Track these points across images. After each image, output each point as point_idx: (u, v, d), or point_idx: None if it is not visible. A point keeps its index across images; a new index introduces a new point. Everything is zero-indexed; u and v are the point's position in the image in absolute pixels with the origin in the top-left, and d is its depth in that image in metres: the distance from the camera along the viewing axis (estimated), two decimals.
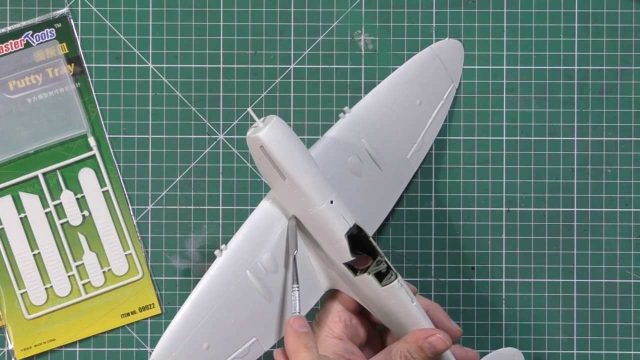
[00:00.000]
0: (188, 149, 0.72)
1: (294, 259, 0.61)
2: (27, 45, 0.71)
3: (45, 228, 0.71)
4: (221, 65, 0.72)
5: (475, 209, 0.72)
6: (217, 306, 0.61)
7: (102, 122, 0.71)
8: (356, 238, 0.61)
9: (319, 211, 0.60)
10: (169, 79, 0.72)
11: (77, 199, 0.71)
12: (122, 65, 0.72)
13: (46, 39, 0.71)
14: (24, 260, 0.71)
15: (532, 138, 0.72)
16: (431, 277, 0.72)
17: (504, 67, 0.72)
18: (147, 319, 0.71)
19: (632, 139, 0.72)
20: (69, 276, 0.71)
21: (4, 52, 0.71)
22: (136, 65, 0.72)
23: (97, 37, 0.72)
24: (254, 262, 0.62)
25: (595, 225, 0.72)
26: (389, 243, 0.72)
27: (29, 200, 0.71)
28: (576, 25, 0.72)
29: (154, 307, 0.71)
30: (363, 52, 0.72)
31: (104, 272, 0.71)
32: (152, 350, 0.71)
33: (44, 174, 0.71)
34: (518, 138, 0.72)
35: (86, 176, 0.71)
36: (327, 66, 0.72)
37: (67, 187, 0.71)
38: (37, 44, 0.71)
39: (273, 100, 0.72)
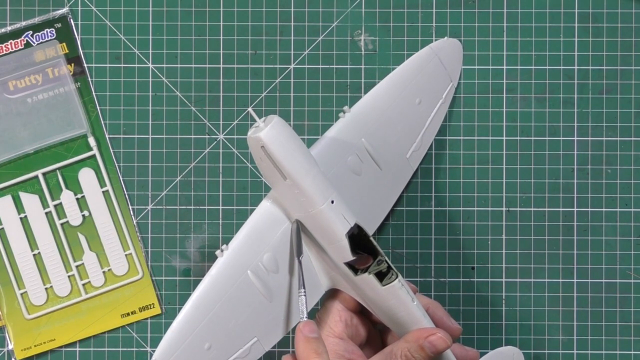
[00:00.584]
0: (188, 149, 0.72)
1: (300, 263, 0.61)
2: (27, 45, 0.71)
3: (45, 228, 0.71)
4: (221, 65, 0.72)
5: (475, 209, 0.72)
6: (219, 306, 0.61)
7: (102, 122, 0.71)
8: (357, 237, 0.61)
9: (320, 211, 0.60)
10: (169, 79, 0.72)
11: (77, 199, 0.71)
12: (122, 65, 0.72)
13: (46, 39, 0.71)
14: (24, 260, 0.71)
15: (532, 138, 0.72)
16: (431, 277, 0.72)
17: (504, 67, 0.72)
18: (147, 319, 0.71)
19: (632, 139, 0.72)
20: (69, 276, 0.71)
21: (4, 52, 0.71)
22: (136, 65, 0.72)
23: (97, 37, 0.72)
24: (254, 262, 0.62)
25: (595, 225, 0.72)
26: (389, 243, 0.72)
27: (29, 200, 0.71)
28: (576, 25, 0.72)
29: (154, 307, 0.71)
30: (363, 52, 0.72)
31: (104, 272, 0.71)
32: (153, 351, 0.71)
33: (44, 174, 0.71)
34: (518, 138, 0.72)
35: (86, 176, 0.71)
36: (327, 66, 0.72)
37: (67, 187, 0.71)
38: (37, 44, 0.71)
39: (273, 100, 0.72)
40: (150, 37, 0.72)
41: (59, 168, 0.71)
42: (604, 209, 0.72)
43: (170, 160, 0.72)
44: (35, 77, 0.71)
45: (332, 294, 0.64)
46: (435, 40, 0.71)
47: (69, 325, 0.71)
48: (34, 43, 0.71)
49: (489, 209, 0.72)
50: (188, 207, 0.72)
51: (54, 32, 0.71)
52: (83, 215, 0.71)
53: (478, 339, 0.71)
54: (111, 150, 0.71)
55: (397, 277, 0.61)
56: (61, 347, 0.71)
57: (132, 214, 0.71)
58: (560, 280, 0.72)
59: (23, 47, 0.71)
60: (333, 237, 0.60)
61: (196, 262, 0.72)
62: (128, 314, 0.71)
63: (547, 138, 0.72)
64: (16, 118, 0.71)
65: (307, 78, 0.72)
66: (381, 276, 0.61)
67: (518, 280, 0.72)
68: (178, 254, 0.72)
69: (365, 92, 0.69)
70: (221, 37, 0.72)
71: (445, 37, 0.70)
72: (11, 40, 0.71)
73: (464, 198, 0.72)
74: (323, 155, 0.63)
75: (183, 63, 0.72)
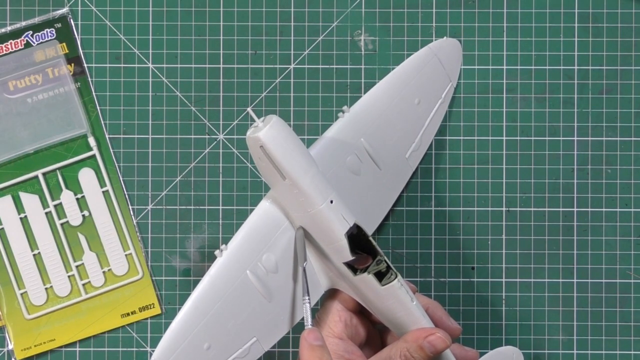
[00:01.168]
0: (188, 149, 0.72)
1: (304, 270, 0.61)
2: (27, 45, 0.71)
3: (45, 228, 0.71)
4: (221, 65, 0.72)
5: (475, 209, 0.72)
6: (218, 306, 0.61)
7: (102, 122, 0.71)
8: (356, 237, 0.61)
9: (319, 211, 0.60)
10: (169, 79, 0.72)
11: (77, 199, 0.71)
12: (122, 65, 0.72)
13: (46, 39, 0.71)
14: (24, 260, 0.71)
15: (532, 138, 0.72)
16: (431, 277, 0.72)
17: (504, 67, 0.72)
18: (147, 319, 0.71)
19: (632, 139, 0.72)
20: (69, 276, 0.71)
21: (4, 52, 0.71)
22: (136, 65, 0.72)
23: (97, 37, 0.72)
24: (254, 262, 0.62)
25: (595, 225, 0.72)
26: (389, 243, 0.72)
27: (29, 200, 0.71)
28: (576, 25, 0.72)
29: (154, 307, 0.71)
30: (363, 52, 0.72)
31: (104, 272, 0.71)
32: (152, 351, 0.71)
33: (44, 174, 0.71)
34: (518, 138, 0.72)
35: (86, 176, 0.71)
36: (327, 66, 0.72)
37: (67, 187, 0.71)
38: (37, 44, 0.71)
39: (273, 100, 0.72)
40: (150, 37, 0.72)
41: (59, 168, 0.71)
42: (604, 209, 0.72)
43: (170, 160, 0.72)
44: (35, 77, 0.71)
45: (331, 294, 0.64)
46: (435, 40, 0.71)
47: (69, 325, 0.71)
48: (34, 43, 0.71)
49: (489, 209, 0.72)
50: (188, 207, 0.72)
51: (54, 32, 0.71)
52: (83, 215, 0.71)
53: (478, 339, 0.71)
54: (111, 150, 0.71)
55: (396, 277, 0.61)
56: (61, 347, 0.71)
57: (132, 214, 0.71)
58: (560, 280, 0.72)
59: (23, 47, 0.71)
60: (332, 237, 0.60)
61: (196, 262, 0.72)
62: (128, 314, 0.71)
63: (547, 138, 0.72)
64: (16, 118, 0.71)
65: (307, 78, 0.72)
66: (380, 276, 0.61)
67: (518, 280, 0.72)
68: (178, 254, 0.72)
69: (365, 92, 0.69)
70: (221, 37, 0.72)
71: (445, 37, 0.70)
72: (11, 40, 0.71)
73: (464, 198, 0.72)
74: (322, 155, 0.63)
75: (183, 63, 0.72)
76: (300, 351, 0.59)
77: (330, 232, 0.60)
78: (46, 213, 0.71)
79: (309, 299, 0.60)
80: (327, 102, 0.71)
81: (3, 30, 0.71)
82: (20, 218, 0.71)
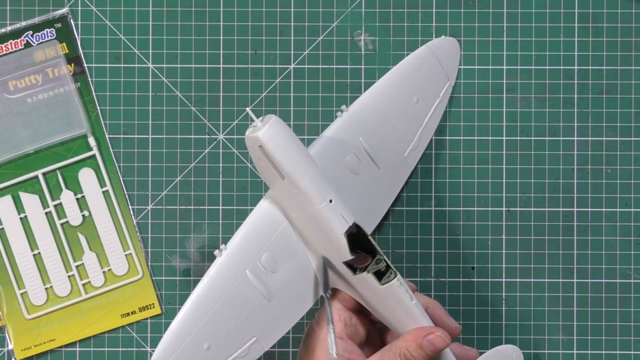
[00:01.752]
0: (188, 149, 0.72)
1: (327, 298, 0.61)
2: (27, 45, 0.71)
3: (45, 228, 0.71)
4: (221, 65, 0.72)
5: (475, 209, 0.72)
6: (218, 306, 0.61)
7: (102, 122, 0.71)
8: (355, 237, 0.61)
9: (318, 210, 0.60)
10: (169, 79, 0.72)
11: (77, 199, 0.71)
12: (122, 65, 0.72)
13: (46, 39, 0.71)
14: (24, 260, 0.71)
15: (532, 138, 0.72)
16: (431, 277, 0.72)
17: (504, 67, 0.72)
18: (147, 319, 0.71)
19: (632, 139, 0.72)
20: (69, 276, 0.71)
21: (4, 52, 0.71)
22: (136, 65, 0.72)
23: (97, 37, 0.72)
24: (253, 261, 0.62)
25: (595, 225, 0.72)
26: (389, 243, 0.71)
27: (29, 200, 0.71)
28: (576, 25, 0.72)
29: (154, 307, 0.71)
30: (363, 52, 0.72)
31: (104, 272, 0.71)
32: (153, 351, 0.71)
33: (44, 174, 0.71)
34: (518, 138, 0.72)
35: (86, 176, 0.71)
36: (327, 66, 0.72)
37: (67, 187, 0.71)
38: (37, 44, 0.71)
39: (273, 100, 0.72)
40: (150, 37, 0.72)
41: (59, 168, 0.71)
42: (604, 209, 0.72)
43: (170, 160, 0.72)
44: (35, 77, 0.71)
45: (331, 293, 0.64)
46: (434, 39, 0.71)
47: (69, 325, 0.71)
48: (34, 43, 0.71)
49: (489, 209, 0.72)
50: (188, 207, 0.72)
51: (54, 32, 0.71)
52: (83, 215, 0.71)
53: (478, 339, 0.71)
54: (111, 150, 0.71)
55: (395, 276, 0.61)
56: (61, 347, 0.71)
57: (132, 214, 0.71)
58: (560, 280, 0.72)
59: (23, 47, 0.71)
60: (331, 236, 0.60)
61: (196, 262, 0.72)
62: (128, 314, 0.71)
63: (547, 138, 0.72)
64: (16, 118, 0.71)
65: (307, 78, 0.72)
66: (380, 275, 0.61)
67: (518, 280, 0.72)
68: (178, 254, 0.72)
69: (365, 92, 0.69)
70: (221, 37, 0.72)
71: (443, 36, 0.70)
72: (11, 40, 0.71)
73: (464, 198, 0.72)
74: (321, 155, 0.63)
75: (183, 63, 0.72)
76: None
77: (330, 232, 0.60)
78: (46, 213, 0.71)
79: (333, 327, 0.60)
80: (327, 102, 0.71)
81: (3, 30, 0.71)
82: (20, 218, 0.71)
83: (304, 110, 0.72)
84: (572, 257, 0.72)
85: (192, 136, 0.72)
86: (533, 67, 0.72)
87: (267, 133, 0.58)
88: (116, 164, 0.71)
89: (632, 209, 0.72)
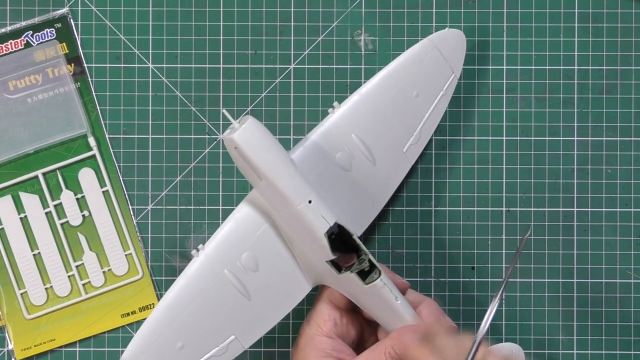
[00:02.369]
0: (188, 149, 0.72)
1: None
2: (27, 45, 0.71)
3: (45, 228, 0.71)
4: (221, 65, 0.72)
5: (475, 209, 0.72)
6: (192, 307, 0.61)
7: (102, 122, 0.71)
8: (338, 236, 0.61)
9: (297, 211, 0.60)
10: (169, 79, 0.72)
11: (77, 199, 0.71)
12: (122, 65, 0.72)
13: (46, 39, 0.71)
14: (24, 260, 0.71)
15: (532, 138, 0.72)
16: (431, 277, 0.72)
17: (504, 67, 0.72)
18: (147, 319, 0.71)
19: (632, 139, 0.72)
20: (69, 276, 0.71)
21: (4, 52, 0.71)
22: (136, 65, 0.72)
23: (97, 37, 0.72)
24: (232, 261, 0.62)
25: (595, 225, 0.72)
26: (389, 243, 0.71)
27: (29, 200, 0.71)
28: (576, 25, 0.72)
29: (154, 307, 0.71)
30: (363, 52, 0.72)
31: (104, 272, 0.71)
32: None
33: (44, 174, 0.71)
34: (518, 138, 0.72)
35: (86, 176, 0.71)
36: (327, 66, 0.72)
37: (67, 187, 0.71)
38: (37, 44, 0.71)
39: (273, 100, 0.72)
40: (150, 37, 0.72)
41: (59, 168, 0.71)
42: (604, 209, 0.72)
43: (170, 160, 0.72)
44: (35, 77, 0.71)
45: (321, 292, 0.64)
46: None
47: (69, 325, 0.71)
48: (34, 43, 0.71)
49: (489, 209, 0.72)
50: (188, 207, 0.72)
51: (54, 32, 0.71)
52: (83, 215, 0.71)
53: None
54: (111, 150, 0.71)
55: (379, 276, 0.61)
56: (61, 347, 0.71)
57: (132, 214, 0.71)
58: (560, 280, 0.72)
59: (23, 47, 0.71)
60: (313, 236, 0.60)
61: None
62: (128, 314, 0.71)
63: (547, 138, 0.72)
64: (16, 118, 0.71)
65: (307, 78, 0.72)
66: (364, 275, 0.61)
67: (518, 280, 0.72)
68: (178, 254, 0.72)
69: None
70: (221, 37, 0.72)
71: (447, 28, 0.70)
72: (11, 40, 0.71)
73: (464, 198, 0.72)
74: (309, 154, 0.63)
75: (183, 63, 0.72)
76: None
77: (311, 232, 0.60)
78: (46, 213, 0.71)
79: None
80: (327, 102, 0.71)
81: (3, 30, 0.71)
82: (20, 218, 0.71)
83: (304, 110, 0.72)
84: (572, 257, 0.72)
85: (192, 136, 0.72)
86: (533, 67, 0.72)
87: (242, 135, 0.59)
88: (116, 164, 0.71)
89: (632, 209, 0.72)
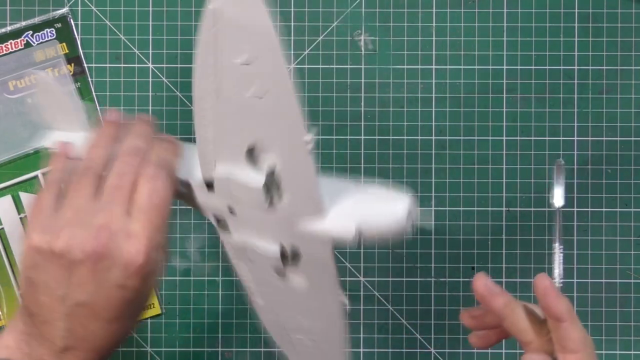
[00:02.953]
0: None
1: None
2: (27, 45, 0.71)
3: None
4: None
5: (475, 209, 0.72)
6: None
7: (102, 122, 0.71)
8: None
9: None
10: (169, 79, 0.72)
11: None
12: (122, 65, 0.72)
13: (46, 39, 0.71)
14: None
15: (532, 138, 0.72)
16: (431, 277, 0.72)
17: (504, 67, 0.72)
18: (147, 319, 0.71)
19: (632, 139, 0.72)
20: None
21: (4, 52, 0.71)
22: (136, 65, 0.72)
23: (97, 37, 0.72)
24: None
25: (595, 225, 0.72)
26: (389, 243, 0.71)
27: (29, 200, 0.71)
28: (576, 25, 0.72)
29: (154, 307, 0.71)
30: (363, 52, 0.72)
31: None
32: (153, 351, 0.71)
33: (44, 174, 0.71)
34: (518, 138, 0.72)
35: None
36: (327, 66, 0.72)
37: None
38: (37, 44, 0.71)
39: None
40: (150, 37, 0.72)
41: None
42: (604, 209, 0.72)
43: None
44: (35, 77, 0.71)
45: None
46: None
47: None
48: (34, 43, 0.71)
49: (489, 209, 0.72)
50: (188, 207, 0.71)
51: (54, 32, 0.71)
52: None
53: None
54: None
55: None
56: None
57: None
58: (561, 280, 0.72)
59: (23, 47, 0.71)
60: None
61: (196, 262, 0.72)
62: None
63: (547, 138, 0.72)
64: (16, 118, 0.71)
65: (307, 78, 0.72)
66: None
67: (518, 280, 0.72)
68: (178, 254, 0.71)
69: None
70: None
71: None
72: (11, 40, 0.71)
73: (464, 198, 0.72)
74: None
75: (183, 63, 0.72)
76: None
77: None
78: None
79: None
80: (327, 102, 0.71)
81: (3, 30, 0.71)
82: (20, 218, 0.71)
83: (303, 110, 0.72)
84: (572, 257, 0.72)
85: (192, 136, 0.72)
86: (533, 67, 0.72)
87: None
88: None
89: (632, 209, 0.72)
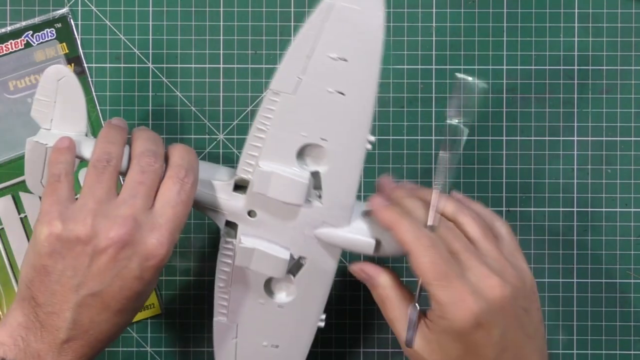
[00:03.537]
0: None
1: None
2: (27, 45, 0.71)
3: None
4: (221, 65, 0.72)
5: None
6: None
7: (102, 122, 0.71)
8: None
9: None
10: (169, 79, 0.72)
11: (77, 198, 0.71)
12: (122, 65, 0.72)
13: (46, 39, 0.71)
14: None
15: (532, 138, 0.72)
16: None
17: (504, 67, 0.72)
18: (147, 319, 0.71)
19: (632, 139, 0.72)
20: None
21: (4, 52, 0.71)
22: (136, 65, 0.72)
23: (97, 37, 0.72)
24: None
25: (595, 225, 0.72)
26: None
27: (29, 200, 0.71)
28: (576, 25, 0.72)
29: (154, 307, 0.71)
30: None
31: None
32: (153, 351, 0.71)
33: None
34: (518, 138, 0.72)
35: None
36: None
37: None
38: (37, 44, 0.71)
39: None
40: (150, 37, 0.72)
41: None
42: (604, 209, 0.72)
43: None
44: (35, 77, 0.71)
45: None
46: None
47: None
48: (34, 43, 0.71)
49: (489, 209, 0.71)
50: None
51: (54, 32, 0.71)
52: None
53: None
54: None
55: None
56: None
57: None
58: (560, 280, 0.72)
59: (23, 47, 0.71)
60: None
61: (196, 262, 0.72)
62: None
63: (547, 138, 0.72)
64: (16, 118, 0.71)
65: None
66: None
67: None
68: (178, 254, 0.71)
69: None
70: (221, 37, 0.72)
71: None
72: (11, 40, 0.71)
73: None
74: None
75: (183, 63, 0.72)
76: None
77: None
78: None
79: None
80: None
81: (3, 30, 0.71)
82: (20, 218, 0.71)
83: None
84: (572, 257, 0.72)
85: (192, 136, 0.72)
86: (533, 67, 0.72)
87: None
88: None
89: (632, 209, 0.72)
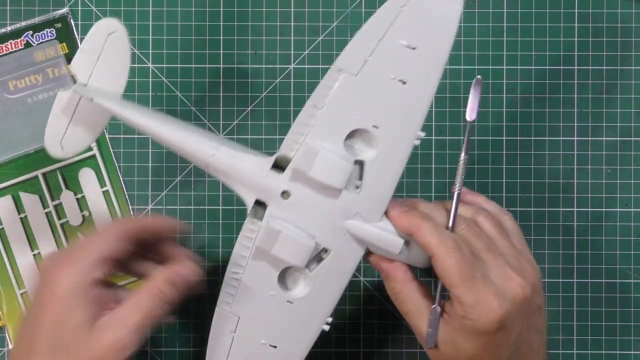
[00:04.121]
0: None
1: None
2: (27, 45, 0.71)
3: (46, 228, 0.71)
4: (221, 65, 0.72)
5: None
6: None
7: None
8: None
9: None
10: (169, 79, 0.72)
11: (77, 199, 0.71)
12: None
13: (46, 39, 0.71)
14: (24, 260, 0.71)
15: (532, 138, 0.72)
16: (431, 277, 0.72)
17: (504, 67, 0.72)
18: None
19: (632, 139, 0.72)
20: None
21: (4, 52, 0.71)
22: (136, 65, 0.72)
23: None
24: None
25: (595, 225, 0.72)
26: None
27: (29, 200, 0.71)
28: (576, 25, 0.72)
29: None
30: None
31: None
32: (153, 351, 0.71)
33: (44, 174, 0.71)
34: (518, 138, 0.72)
35: (86, 176, 0.71)
36: (327, 66, 0.71)
37: (67, 187, 0.71)
38: (37, 44, 0.71)
39: (273, 100, 0.72)
40: (150, 37, 0.72)
41: (59, 168, 0.71)
42: (604, 209, 0.72)
43: (170, 160, 0.72)
44: (35, 77, 0.71)
45: None
46: None
47: None
48: (34, 43, 0.71)
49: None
50: (188, 207, 0.72)
51: (54, 32, 0.71)
52: (83, 216, 0.71)
53: None
54: (111, 150, 0.71)
55: None
56: None
57: (132, 214, 0.71)
58: (560, 280, 0.72)
59: (23, 47, 0.71)
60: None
61: (196, 262, 0.72)
62: None
63: (547, 138, 0.72)
64: (16, 118, 0.71)
65: (307, 78, 0.72)
66: None
67: None
68: None
69: None
70: (221, 37, 0.72)
71: None
72: (11, 40, 0.71)
73: None
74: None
75: (183, 63, 0.72)
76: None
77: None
78: (46, 213, 0.71)
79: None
80: None
81: (3, 30, 0.71)
82: (20, 218, 0.71)
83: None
84: (572, 257, 0.72)
85: None
86: (533, 67, 0.72)
87: None
88: (116, 164, 0.71)
89: (632, 209, 0.72)
